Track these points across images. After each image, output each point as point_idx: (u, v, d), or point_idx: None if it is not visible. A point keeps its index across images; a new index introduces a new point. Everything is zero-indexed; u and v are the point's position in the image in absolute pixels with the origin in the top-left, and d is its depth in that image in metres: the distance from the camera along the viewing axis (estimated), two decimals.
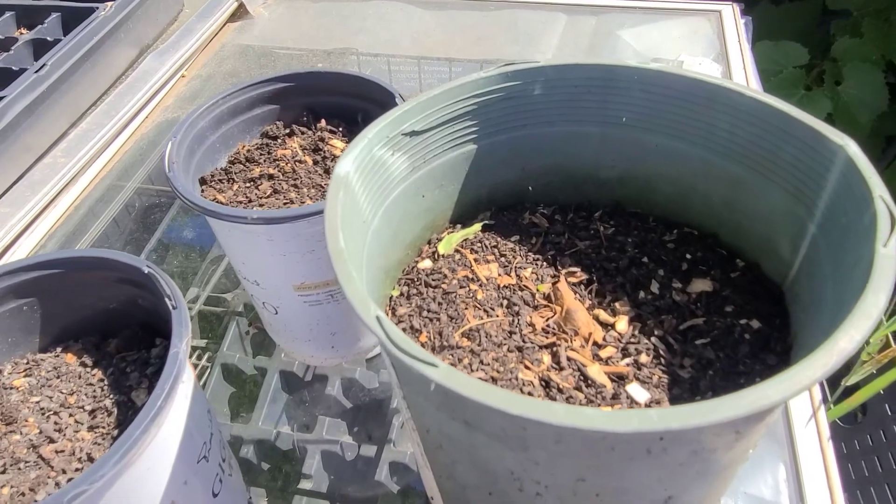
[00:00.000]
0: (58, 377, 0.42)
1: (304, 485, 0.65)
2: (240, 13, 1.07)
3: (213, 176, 0.52)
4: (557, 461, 0.28)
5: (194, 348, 0.79)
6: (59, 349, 0.44)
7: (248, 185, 0.52)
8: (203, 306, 0.75)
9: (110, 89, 0.86)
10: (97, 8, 0.82)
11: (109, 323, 0.44)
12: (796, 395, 0.24)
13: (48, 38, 0.78)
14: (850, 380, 0.56)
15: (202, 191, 0.51)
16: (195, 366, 0.75)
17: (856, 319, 0.25)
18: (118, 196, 0.80)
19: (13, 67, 0.73)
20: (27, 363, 0.43)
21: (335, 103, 0.57)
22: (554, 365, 0.37)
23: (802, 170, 0.36)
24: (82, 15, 0.81)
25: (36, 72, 0.71)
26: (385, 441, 0.65)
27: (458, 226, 0.46)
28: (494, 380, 0.36)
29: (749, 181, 0.39)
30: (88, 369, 0.42)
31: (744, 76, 0.89)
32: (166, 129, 0.86)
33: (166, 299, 0.38)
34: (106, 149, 0.81)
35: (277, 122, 0.57)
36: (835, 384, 0.64)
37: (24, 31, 0.85)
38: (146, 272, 0.39)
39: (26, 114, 0.70)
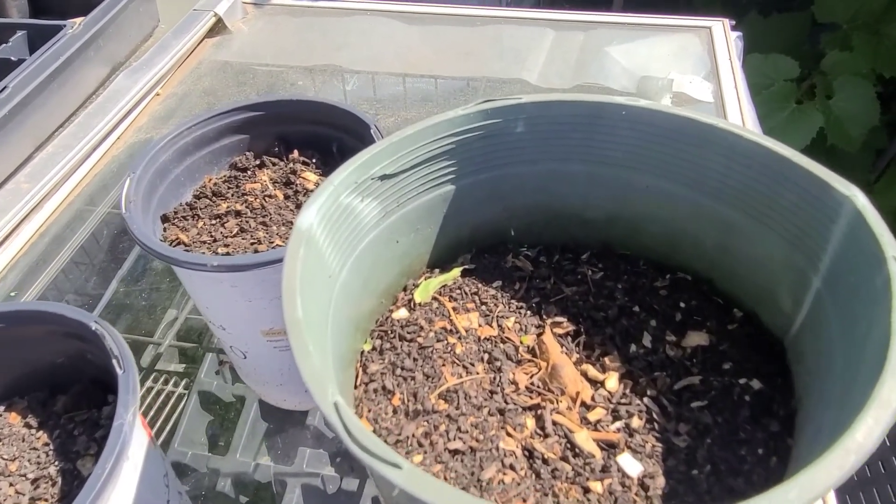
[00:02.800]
0: (0, 440, 0.39)
1: None
2: (218, 28, 1.04)
3: (176, 213, 0.49)
4: None
5: (171, 373, 0.75)
6: (2, 408, 0.40)
7: (213, 222, 0.48)
8: (177, 336, 0.71)
9: (79, 110, 0.83)
10: (65, 25, 0.78)
11: (58, 377, 0.41)
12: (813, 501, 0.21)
13: (12, 58, 0.75)
14: None
15: (164, 229, 0.48)
16: (171, 393, 0.72)
17: (874, 410, 0.22)
18: (87, 222, 0.77)
19: None
20: None
21: (308, 132, 0.54)
22: (538, 431, 0.34)
23: (803, 218, 0.33)
24: (49, 33, 0.77)
25: None
26: (367, 474, 0.61)
27: (437, 270, 0.43)
28: (473, 450, 0.33)
29: (743, 226, 0.37)
30: (33, 431, 0.39)
31: (735, 94, 0.86)
32: (139, 151, 0.83)
33: (114, 361, 0.35)
34: (74, 172, 0.77)
35: (247, 153, 0.53)
36: None
37: None
38: (93, 329, 0.36)
39: None
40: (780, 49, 1.50)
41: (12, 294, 0.67)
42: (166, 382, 0.74)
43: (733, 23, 1.01)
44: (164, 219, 0.48)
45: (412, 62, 1.00)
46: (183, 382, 0.77)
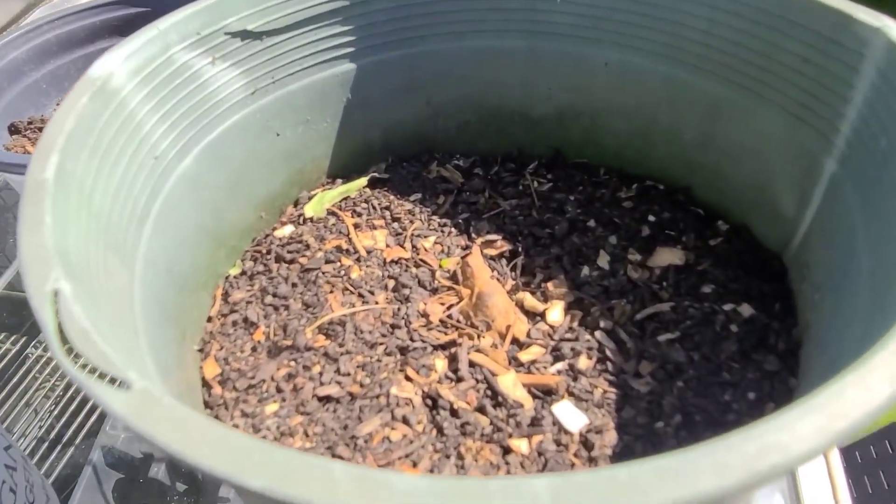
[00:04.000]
0: None
1: None
2: None
3: (30, 122, 0.39)
4: None
5: None
6: None
7: None
8: None
9: None
10: None
11: None
12: (822, 451, 0.12)
13: None
14: None
15: (12, 140, 0.38)
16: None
17: None
18: None
19: None
20: None
21: None
22: (450, 374, 0.25)
23: (813, 76, 0.24)
24: None
25: None
26: None
27: (340, 180, 0.34)
28: (353, 397, 0.24)
29: (732, 103, 0.27)
30: None
31: None
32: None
33: None
34: None
35: None
36: None
37: None
38: None
39: None
40: None
41: None
42: None
43: None
44: (14, 130, 0.39)
45: None
46: None
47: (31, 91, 0.40)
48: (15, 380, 0.61)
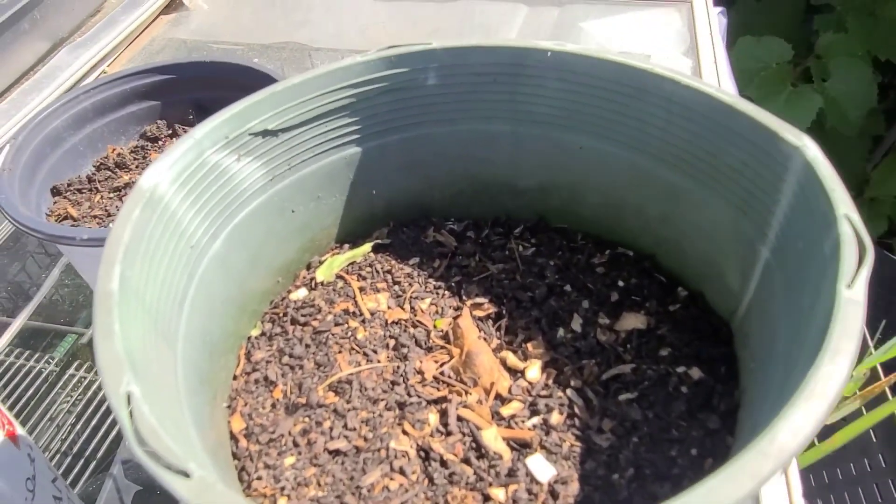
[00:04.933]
0: None
1: None
2: (175, 4, 0.99)
3: (69, 185, 0.44)
4: None
5: None
6: None
7: (111, 195, 0.43)
8: None
9: (13, 86, 0.78)
10: None
11: None
12: None
13: None
14: (832, 417, 0.49)
15: (54, 203, 0.43)
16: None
17: (804, 402, 0.17)
18: None
19: None
20: None
21: (226, 98, 0.48)
22: (440, 427, 0.29)
23: (750, 178, 0.28)
24: None
25: None
26: None
27: (347, 246, 0.38)
28: (358, 450, 0.28)
29: (687, 191, 0.31)
30: None
31: (714, 72, 0.81)
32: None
33: None
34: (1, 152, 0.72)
35: (159, 122, 0.48)
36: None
37: None
38: None
39: None
40: (774, 32, 1.44)
41: None
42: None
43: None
44: (56, 191, 0.43)
45: (377, 40, 0.95)
46: None
47: (69, 154, 0.45)
48: (38, 396, 0.66)
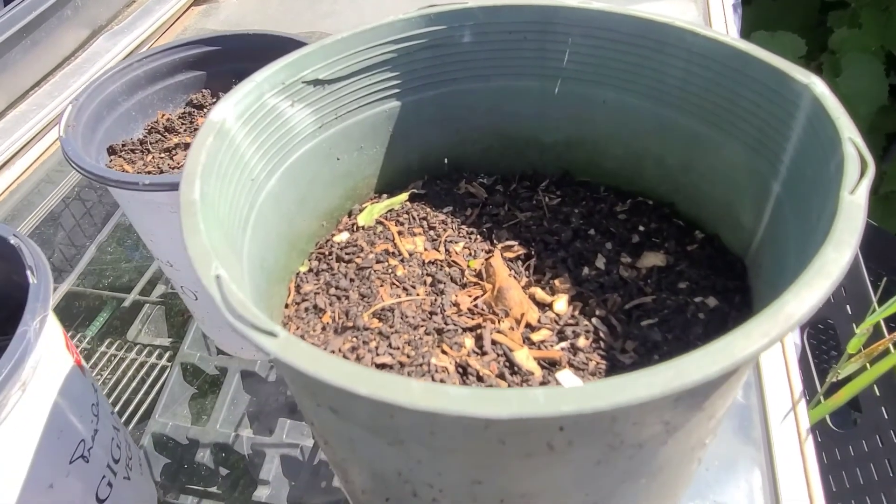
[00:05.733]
0: None
1: (262, 491, 0.61)
2: None
3: (124, 145, 0.47)
4: (441, 458, 0.22)
5: (155, 346, 0.74)
6: None
7: (162, 155, 0.47)
8: (157, 300, 0.70)
9: (56, 70, 0.82)
10: None
11: None
12: (727, 372, 0.18)
13: None
14: (838, 374, 0.51)
15: (110, 160, 0.46)
16: (154, 365, 0.71)
17: (810, 278, 0.20)
18: (59, 185, 0.75)
19: None
20: None
21: None
22: (476, 349, 0.32)
23: (763, 118, 0.30)
24: None
25: None
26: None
27: (385, 196, 0.41)
28: (402, 364, 0.31)
29: (706, 137, 0.34)
30: None
31: None
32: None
33: (27, 272, 0.33)
34: (48, 132, 0.76)
35: (204, 91, 0.52)
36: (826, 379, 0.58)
37: None
38: (12, 243, 0.34)
39: None
40: (789, 27, 1.46)
41: None
42: (150, 355, 0.73)
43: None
44: (112, 151, 0.47)
45: None
46: (167, 355, 0.75)
47: (123, 118, 0.48)
48: None
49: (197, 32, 0.96)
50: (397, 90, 0.37)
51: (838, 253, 0.21)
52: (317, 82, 0.34)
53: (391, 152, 0.39)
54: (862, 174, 0.23)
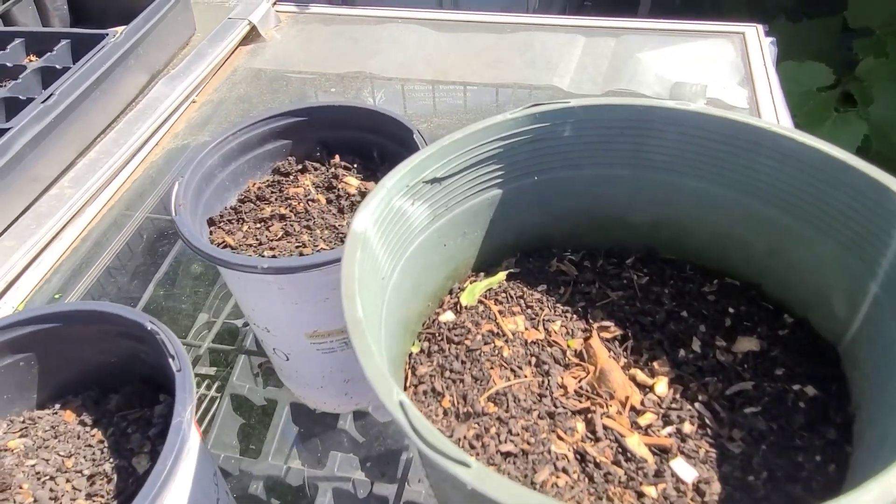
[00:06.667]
0: (55, 437, 0.39)
1: None
2: (252, 36, 1.06)
3: (222, 216, 0.50)
4: None
5: (203, 377, 0.77)
6: (57, 406, 0.41)
7: (258, 225, 0.49)
8: (213, 339, 0.72)
9: (120, 116, 0.84)
10: (107, 34, 0.80)
11: (110, 377, 0.42)
12: None
13: (57, 66, 0.77)
14: None
15: (210, 232, 0.49)
16: (203, 396, 0.73)
17: None
18: (126, 226, 0.78)
19: (20, 97, 0.72)
20: (23, 422, 0.40)
21: (350, 138, 0.54)
22: (589, 434, 0.34)
23: (860, 223, 0.33)
24: (92, 42, 0.79)
25: (43, 101, 0.69)
26: (399, 479, 0.62)
27: (482, 274, 0.43)
28: (525, 453, 0.33)
29: (796, 231, 0.36)
30: (87, 428, 0.40)
31: (770, 100, 0.86)
32: (176, 157, 0.84)
33: (170, 360, 0.35)
34: (115, 178, 0.79)
35: (289, 158, 0.54)
36: None
37: (33, 58, 0.83)
38: (149, 329, 0.37)
39: (33, 144, 0.68)
40: (811, 55, 1.48)
41: (56, 296, 0.69)
42: (198, 385, 0.75)
43: (767, 28, 1.00)
44: (210, 222, 0.49)
45: (442, 69, 1.01)
46: (215, 386, 0.78)
47: (219, 189, 0.51)
48: None
49: (246, 73, 0.99)
50: (500, 179, 0.40)
51: None
52: (434, 180, 0.36)
53: (489, 234, 0.42)
54: None
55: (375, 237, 0.33)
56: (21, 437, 0.40)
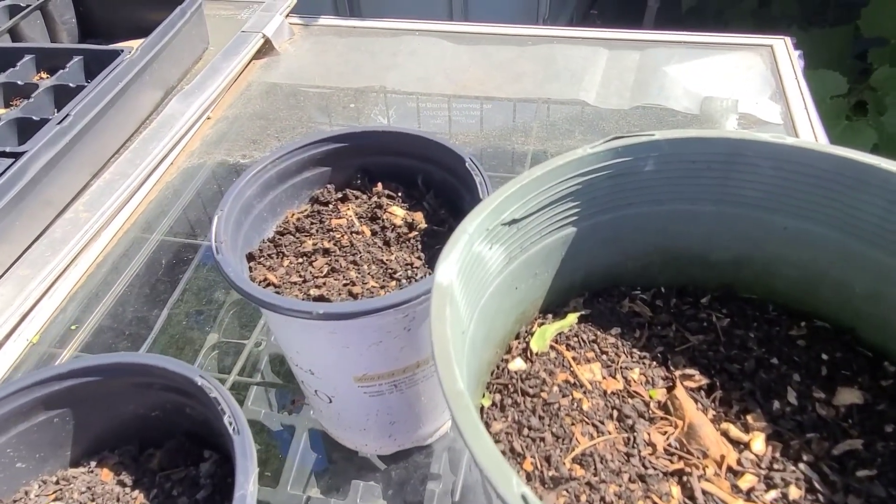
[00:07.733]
0: (92, 500, 0.36)
1: None
2: (266, 49, 1.03)
3: (261, 251, 0.46)
4: None
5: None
6: (93, 463, 0.38)
7: (300, 260, 0.46)
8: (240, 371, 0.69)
9: (134, 135, 0.81)
10: (122, 51, 0.77)
11: (149, 430, 0.39)
12: None
13: (70, 84, 0.73)
14: None
15: (250, 268, 0.45)
16: None
17: None
18: (142, 250, 0.75)
19: (33, 117, 0.68)
20: (57, 482, 0.37)
21: (391, 163, 0.51)
22: (687, 500, 0.31)
23: None
24: (106, 58, 0.76)
25: (58, 123, 0.66)
26: None
27: (549, 315, 0.40)
28: None
29: None
30: (127, 490, 0.37)
31: (806, 116, 0.83)
32: (191, 176, 0.81)
33: (226, 423, 0.32)
34: (130, 200, 0.75)
35: (328, 186, 0.51)
36: None
37: (44, 75, 0.80)
38: (199, 384, 0.34)
39: (47, 168, 0.65)
40: (823, 64, 1.47)
41: (73, 327, 0.65)
42: None
43: (794, 41, 0.98)
44: (250, 257, 0.46)
45: (462, 83, 0.98)
46: None
47: (257, 220, 0.48)
48: None
49: (261, 87, 0.96)
50: (576, 217, 0.37)
51: None
52: (512, 222, 0.34)
53: (559, 274, 0.39)
54: None
55: (458, 289, 0.30)
56: (55, 500, 0.36)
